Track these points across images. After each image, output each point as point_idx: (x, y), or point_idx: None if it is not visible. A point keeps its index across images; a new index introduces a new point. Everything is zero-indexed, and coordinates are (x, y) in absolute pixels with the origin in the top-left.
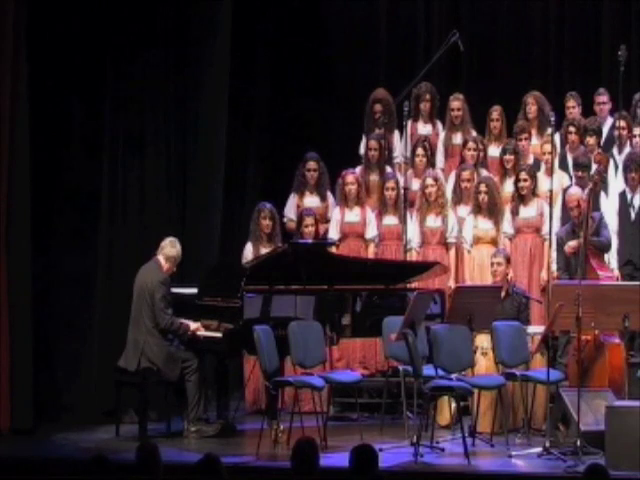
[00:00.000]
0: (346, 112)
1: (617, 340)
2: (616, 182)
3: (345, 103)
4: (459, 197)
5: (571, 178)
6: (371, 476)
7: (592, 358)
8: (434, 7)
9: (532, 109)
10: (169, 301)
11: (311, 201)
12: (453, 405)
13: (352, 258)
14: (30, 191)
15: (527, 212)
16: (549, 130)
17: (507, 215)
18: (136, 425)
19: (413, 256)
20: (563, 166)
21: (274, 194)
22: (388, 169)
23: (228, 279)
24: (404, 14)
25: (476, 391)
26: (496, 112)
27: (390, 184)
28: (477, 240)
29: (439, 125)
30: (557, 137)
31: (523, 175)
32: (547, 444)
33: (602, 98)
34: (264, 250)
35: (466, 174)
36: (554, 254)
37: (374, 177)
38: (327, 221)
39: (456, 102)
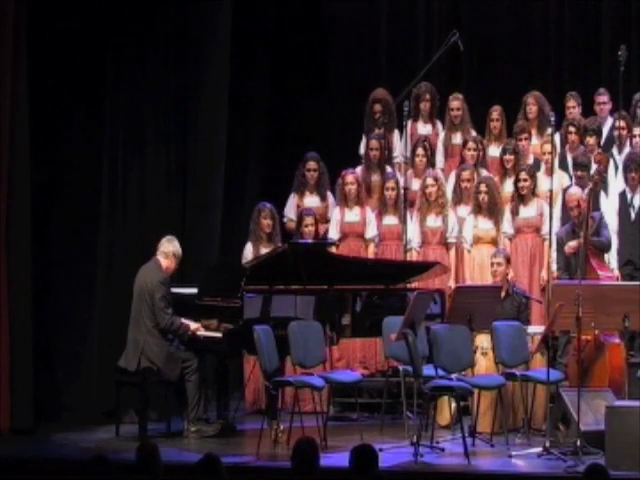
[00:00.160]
0: (346, 112)
1: (617, 340)
2: (616, 182)
3: (345, 103)
4: (459, 197)
5: (571, 178)
6: (371, 476)
7: (592, 358)
8: (434, 7)
9: (532, 109)
10: (169, 301)
11: (311, 201)
12: (453, 405)
13: (352, 258)
14: (30, 191)
15: (527, 212)
16: (549, 130)
17: (507, 215)
18: (136, 425)
19: (413, 256)
20: (563, 166)
21: (274, 194)
22: (388, 169)
23: (228, 279)
24: (404, 14)
25: (476, 391)
26: (496, 112)
27: (390, 184)
28: (477, 240)
29: (439, 125)
30: (557, 137)
31: (523, 175)
32: (547, 444)
33: (602, 98)
34: (264, 250)
35: (466, 174)
36: (554, 254)
37: (375, 177)
38: (327, 221)
39: (455, 102)
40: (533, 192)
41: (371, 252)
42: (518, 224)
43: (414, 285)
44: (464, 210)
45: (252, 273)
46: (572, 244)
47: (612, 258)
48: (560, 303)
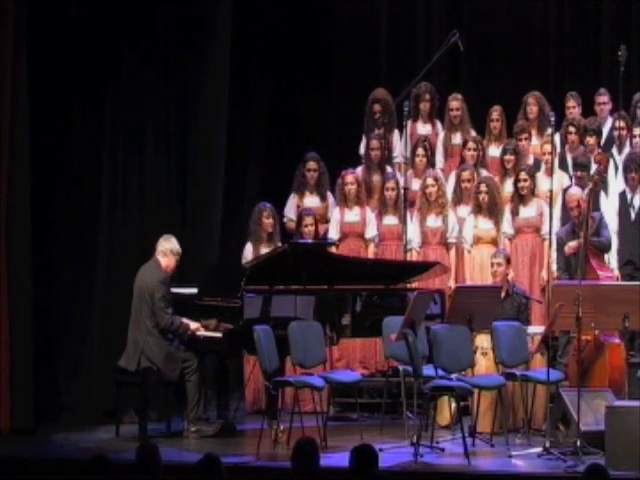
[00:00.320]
0: (346, 112)
1: (617, 340)
2: (616, 182)
3: (345, 103)
4: (459, 197)
5: (571, 178)
6: (371, 476)
7: (592, 358)
8: (434, 7)
9: (533, 109)
10: (169, 300)
11: (311, 201)
12: (453, 405)
13: (352, 258)
14: (30, 191)
15: (527, 212)
16: (549, 130)
17: (507, 215)
18: (136, 425)
19: (413, 256)
20: (563, 166)
21: (274, 194)
22: (388, 169)
23: (228, 279)
24: (404, 14)
25: (476, 391)
26: (496, 112)
27: (390, 184)
28: (477, 240)
29: (439, 125)
30: (557, 137)
31: (523, 175)
32: (547, 444)
33: (603, 98)
34: (264, 250)
35: (466, 174)
36: (554, 254)
37: (376, 177)
38: (327, 221)
39: (455, 102)
40: (532, 192)
41: (371, 252)
42: (518, 224)
43: (414, 285)
44: (464, 210)
45: (252, 273)
46: (572, 244)
47: (612, 258)
48: (560, 303)
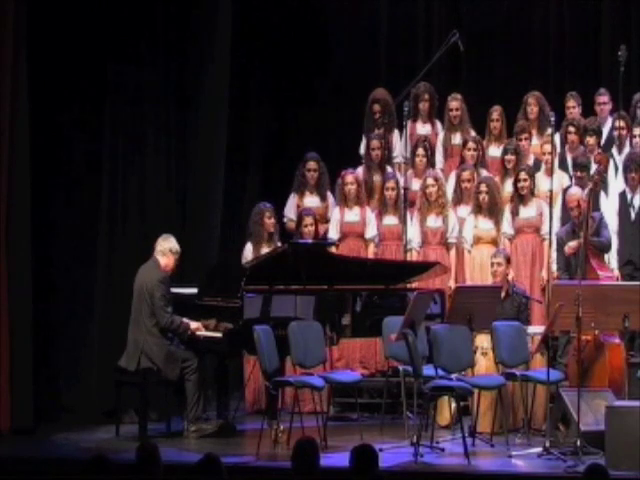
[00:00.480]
0: (346, 112)
1: (617, 340)
2: (616, 182)
3: (345, 103)
4: (459, 197)
5: (571, 178)
6: (371, 476)
7: (592, 358)
8: (434, 7)
9: (533, 110)
10: (169, 299)
11: (311, 201)
12: (453, 405)
13: (352, 258)
14: (30, 191)
15: (527, 212)
16: (549, 130)
17: (507, 215)
18: (136, 425)
19: (413, 256)
20: (563, 166)
21: (274, 194)
22: (388, 169)
23: (228, 279)
24: (404, 14)
25: (476, 391)
26: (496, 112)
27: (390, 184)
28: (477, 240)
29: (438, 125)
30: (557, 137)
31: (523, 175)
32: (547, 444)
33: (603, 98)
34: (264, 250)
35: (466, 174)
36: (554, 254)
37: (377, 177)
38: (327, 221)
39: (454, 102)
40: (532, 192)
41: (371, 252)
42: (519, 224)
43: (414, 285)
44: (464, 210)
45: (252, 273)
46: (572, 244)
47: (612, 258)
48: (560, 303)
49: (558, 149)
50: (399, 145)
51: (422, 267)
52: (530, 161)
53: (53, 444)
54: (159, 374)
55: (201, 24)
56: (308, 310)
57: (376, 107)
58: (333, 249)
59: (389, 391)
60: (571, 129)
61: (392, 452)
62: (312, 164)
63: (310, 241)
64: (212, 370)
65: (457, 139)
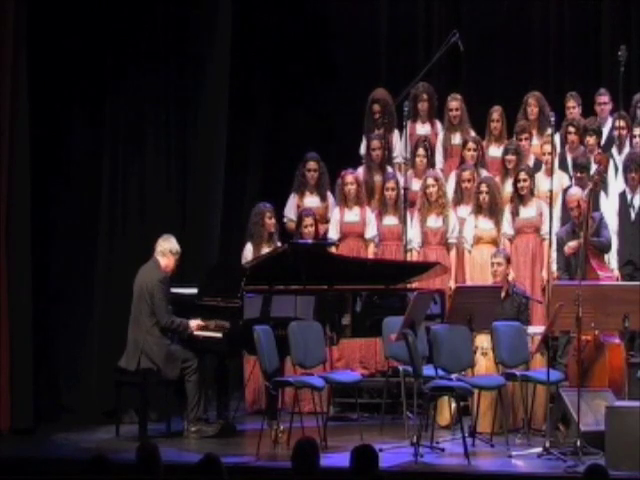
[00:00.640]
0: (346, 112)
1: (617, 340)
2: (616, 182)
3: (345, 103)
4: (460, 197)
5: (571, 178)
6: (371, 476)
7: (592, 358)
8: (434, 7)
9: (533, 110)
10: (169, 299)
11: (311, 201)
12: (453, 405)
13: (352, 258)
14: (30, 191)
15: (527, 212)
16: (549, 130)
17: (507, 215)
18: (136, 425)
19: (413, 256)
20: (563, 166)
21: (274, 194)
22: (388, 169)
23: (228, 279)
24: (404, 14)
25: (476, 391)
26: (496, 113)
27: (390, 184)
28: (478, 240)
29: (438, 125)
30: (557, 137)
31: (523, 175)
32: (547, 444)
33: (603, 98)
34: (264, 250)
35: (467, 174)
36: (554, 254)
37: (377, 177)
38: (327, 221)
39: (454, 102)
40: (532, 192)
41: (371, 252)
42: (519, 224)
43: (414, 285)
44: (464, 210)
45: (252, 273)
46: (572, 244)
47: (612, 258)
48: (560, 303)
49: (558, 149)
50: (399, 145)
51: (422, 267)
52: (530, 161)
53: (53, 444)
54: (159, 374)
55: (201, 24)
56: (308, 310)
57: (376, 107)
58: (333, 249)
59: (389, 391)
60: (571, 129)
61: (392, 452)
62: (312, 164)
63: (310, 241)
64: (212, 370)
65: (457, 139)
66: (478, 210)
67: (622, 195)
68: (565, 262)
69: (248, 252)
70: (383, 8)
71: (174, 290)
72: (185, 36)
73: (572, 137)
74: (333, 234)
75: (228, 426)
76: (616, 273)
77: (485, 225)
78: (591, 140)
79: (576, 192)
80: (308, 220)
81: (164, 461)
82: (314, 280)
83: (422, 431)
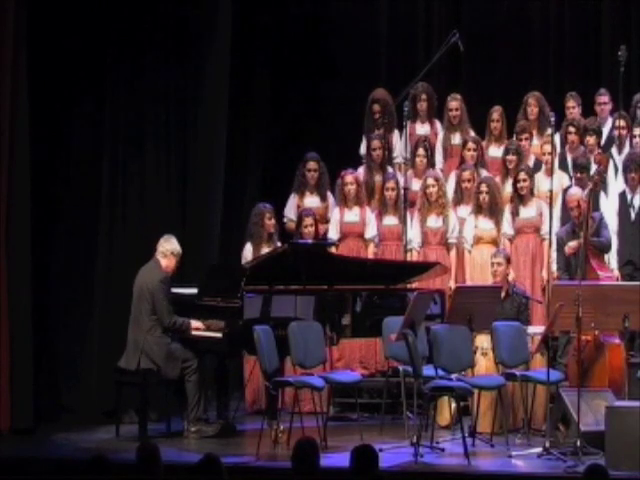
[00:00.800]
0: (346, 112)
1: (617, 340)
2: (616, 182)
3: (345, 103)
4: (460, 197)
5: (571, 178)
6: (371, 476)
7: (592, 358)
8: (434, 7)
9: (533, 110)
10: (170, 299)
11: (311, 201)
12: (453, 405)
13: (352, 258)
14: (30, 191)
15: (527, 212)
16: (549, 130)
17: (507, 216)
18: (136, 425)
19: (413, 256)
20: (563, 166)
21: (274, 194)
22: (389, 169)
23: (228, 279)
24: (404, 14)
25: (476, 391)
26: (497, 113)
27: (390, 184)
28: (478, 240)
29: (437, 125)
30: (557, 137)
31: (522, 175)
32: (547, 444)
33: (603, 98)
34: (264, 250)
35: (467, 174)
36: (554, 254)
37: (378, 177)
38: (327, 221)
39: (454, 102)
40: (532, 192)
41: (371, 252)
42: (519, 224)
43: (414, 285)
44: (464, 210)
45: (252, 273)
46: (572, 244)
47: (612, 258)
48: (560, 303)
49: (558, 149)
50: (399, 145)
51: (422, 267)
52: (530, 161)
53: (53, 444)
54: (159, 374)
55: (201, 24)
56: (308, 310)
57: (376, 107)
58: (333, 249)
59: (389, 391)
60: (571, 129)
61: (392, 452)
62: (312, 164)
63: (310, 241)
64: (212, 370)
65: (457, 139)
66: (478, 210)
67: (622, 195)
68: (565, 262)
69: (248, 252)
70: (383, 8)
71: (174, 290)
72: (185, 36)
73: (572, 137)
74: (333, 234)
75: (228, 426)
76: (616, 273)
77: (485, 225)
78: (591, 140)
79: (576, 192)
80: (308, 220)
81: (164, 461)
82: (314, 280)
83: (422, 431)
